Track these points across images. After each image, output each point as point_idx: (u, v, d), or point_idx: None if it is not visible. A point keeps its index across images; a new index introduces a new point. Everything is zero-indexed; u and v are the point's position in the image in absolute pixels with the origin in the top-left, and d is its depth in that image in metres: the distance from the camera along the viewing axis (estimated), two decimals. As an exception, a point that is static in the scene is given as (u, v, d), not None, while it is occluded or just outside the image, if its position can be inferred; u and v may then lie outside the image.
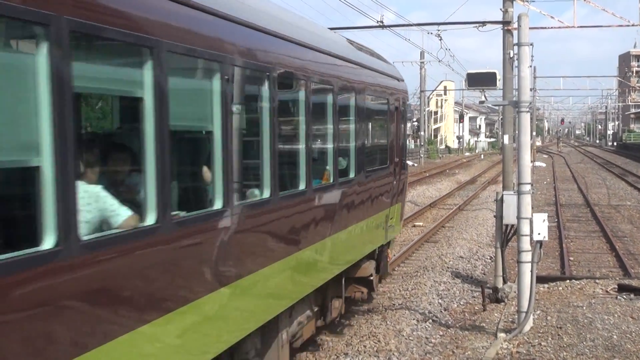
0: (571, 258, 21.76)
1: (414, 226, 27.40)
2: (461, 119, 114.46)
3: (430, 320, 14.37)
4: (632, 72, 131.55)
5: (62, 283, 5.08)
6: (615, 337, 12.30)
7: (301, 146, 9.99)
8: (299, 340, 10.99)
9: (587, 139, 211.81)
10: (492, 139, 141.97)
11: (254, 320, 8.49)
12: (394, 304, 15.79)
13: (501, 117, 59.83)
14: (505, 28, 25.91)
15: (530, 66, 14.79)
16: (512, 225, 14.90)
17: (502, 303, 15.40)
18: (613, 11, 27.50)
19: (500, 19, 26.52)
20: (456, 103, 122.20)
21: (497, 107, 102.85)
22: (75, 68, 5.19)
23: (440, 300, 16.06)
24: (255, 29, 8.38)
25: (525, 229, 12.95)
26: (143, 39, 5.99)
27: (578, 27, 28.36)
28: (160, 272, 6.35)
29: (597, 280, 16.98)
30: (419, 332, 13.54)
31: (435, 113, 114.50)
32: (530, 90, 19.71)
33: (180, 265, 6.66)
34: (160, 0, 6.50)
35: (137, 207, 6.18)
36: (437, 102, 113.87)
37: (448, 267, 19.66)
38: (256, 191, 8.47)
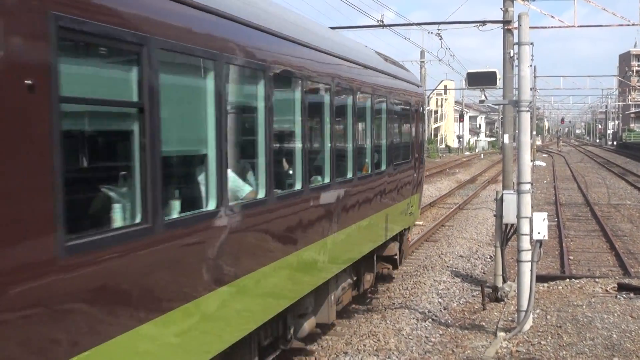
0: (571, 257, 21.78)
1: (414, 225, 27.39)
2: (461, 118, 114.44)
3: (430, 320, 14.39)
4: (633, 71, 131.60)
5: (220, 231, 7.56)
6: (614, 336, 12.31)
7: (349, 144, 12.54)
8: (339, 305, 13.16)
9: (587, 138, 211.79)
10: (492, 139, 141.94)
11: (311, 283, 10.78)
12: (393, 303, 15.80)
13: (501, 116, 59.83)
14: (506, 27, 25.92)
15: (531, 65, 14.83)
16: (512, 225, 14.93)
17: (502, 302, 15.41)
18: (613, 11, 27.51)
19: (500, 18, 26.54)
20: (456, 102, 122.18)
21: (497, 107, 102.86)
22: (230, 91, 7.87)
23: (440, 300, 16.07)
24: (331, 55, 11.49)
25: (525, 228, 12.96)
26: (290, 72, 9.64)
27: (578, 26, 28.37)
28: (268, 228, 8.99)
29: (596, 280, 16.99)
30: (419, 331, 13.55)
31: (436, 112, 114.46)
32: (531, 89, 19.69)
33: (280, 225, 9.37)
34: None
35: (254, 186, 8.77)
36: (437, 102, 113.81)
37: (448, 266, 19.68)
38: (319, 177, 11.09)
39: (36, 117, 4.91)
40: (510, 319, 13.81)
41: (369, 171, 13.76)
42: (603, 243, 24.46)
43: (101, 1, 5.70)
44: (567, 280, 17.07)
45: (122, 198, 6.27)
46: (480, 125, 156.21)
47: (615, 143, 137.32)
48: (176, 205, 6.98)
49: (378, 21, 28.87)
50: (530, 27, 13.33)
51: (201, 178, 7.58)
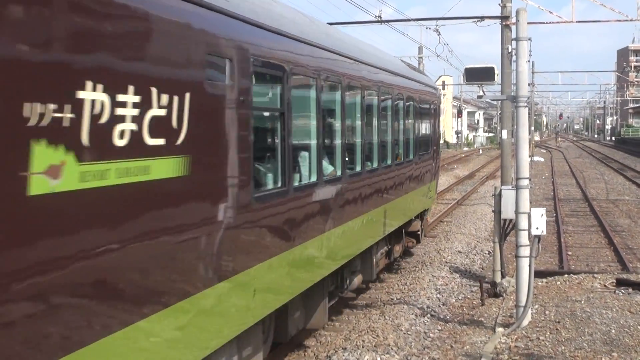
0: (569, 252, 21.78)
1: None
2: (459, 114, 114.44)
3: (429, 315, 14.39)
4: (631, 67, 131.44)
5: (318, 196, 10.81)
6: (613, 331, 12.32)
7: (389, 138, 15.85)
8: (377, 268, 16.14)
9: (586, 133, 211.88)
10: (491, 134, 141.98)
11: (360, 247, 13.66)
12: (392, 299, 15.81)
13: (499, 112, 59.90)
14: (504, 23, 25.92)
15: (529, 61, 14.82)
16: (511, 220, 14.93)
17: (501, 298, 15.42)
18: (611, 6, 27.54)
19: (498, 14, 26.53)
20: (454, 98, 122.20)
21: (495, 102, 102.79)
22: (322, 99, 11.02)
23: (438, 295, 16.08)
24: (377, 67, 14.74)
25: (523, 223, 12.97)
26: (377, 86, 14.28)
27: (576, 22, 28.37)
28: (344, 197, 12.07)
29: (595, 275, 17.00)
30: (418, 326, 13.56)
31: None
32: (529, 85, 19.64)
33: (350, 195, 12.40)
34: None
35: (334, 167, 11.95)
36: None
37: (446, 262, 19.68)
38: (369, 163, 14.09)
39: (246, 118, 8.06)
40: (508, 314, 13.81)
41: (402, 160, 17.13)
42: (601, 238, 24.47)
43: (270, 52, 8.97)
44: (566, 275, 17.07)
45: (272, 171, 9.49)
46: (478, 120, 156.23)
47: (613, 138, 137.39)
48: (297, 177, 10.23)
49: (376, 17, 28.84)
50: (528, 23, 13.32)
51: (308, 160, 10.76)
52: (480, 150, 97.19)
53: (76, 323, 5.29)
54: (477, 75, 23.59)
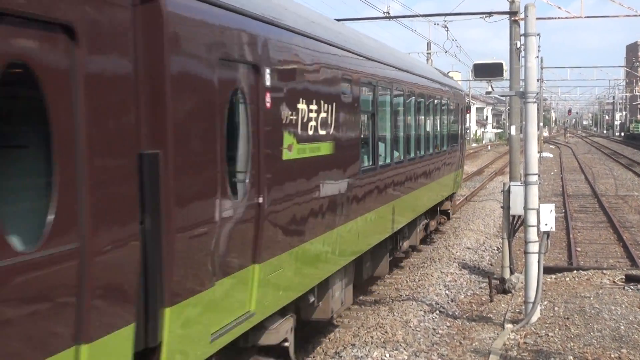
0: (578, 249, 21.75)
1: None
2: (468, 109, 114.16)
3: (438, 311, 14.39)
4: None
5: (391, 173, 14.96)
6: (622, 327, 12.29)
7: (431, 131, 20.24)
8: (419, 236, 19.92)
9: (594, 129, 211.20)
10: (499, 130, 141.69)
11: (410, 217, 17.64)
12: (401, 295, 15.81)
13: (508, 108, 59.68)
14: (512, 19, 25.83)
15: (537, 57, 14.80)
16: (520, 216, 14.91)
17: (509, 294, 15.40)
18: (620, 1, 27.41)
19: (507, 9, 26.45)
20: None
21: (504, 98, 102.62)
22: (394, 102, 15.87)
23: (447, 291, 16.07)
24: (423, 77, 19.31)
25: (532, 219, 12.95)
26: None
27: (585, 17, 28.26)
28: (405, 175, 16.31)
29: (604, 271, 16.97)
30: (426, 323, 13.55)
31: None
32: (537, 80, 19.57)
33: (409, 175, 16.61)
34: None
35: (400, 154, 16.13)
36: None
37: (455, 258, 19.67)
38: (419, 152, 18.36)
39: (357, 118, 12.14)
40: (517, 310, 13.80)
41: (438, 150, 21.15)
42: (610, 234, 24.42)
43: (368, 74, 13.12)
44: (575, 271, 17.05)
45: (367, 154, 13.35)
46: (487, 116, 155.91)
47: (622, 134, 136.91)
48: (381, 158, 14.26)
49: (384, 13, 28.80)
50: (536, 18, 13.31)
51: (385, 147, 14.82)
52: (489, 147, 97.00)
53: (316, 222, 10.18)
54: (486, 71, 23.55)
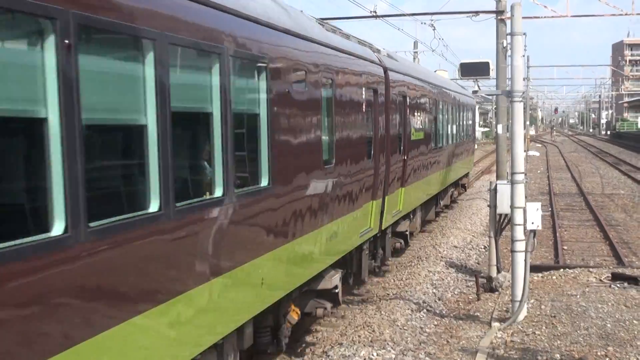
0: (565, 247, 21.81)
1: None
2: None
3: (425, 310, 14.41)
4: (626, 61, 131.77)
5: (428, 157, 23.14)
6: (609, 325, 12.34)
7: (449, 127, 26.67)
8: (450, 199, 28.81)
9: (581, 128, 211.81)
10: (486, 129, 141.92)
11: (434, 192, 24.01)
12: (388, 294, 15.82)
13: (495, 107, 59.74)
14: (499, 18, 25.94)
15: (524, 56, 14.86)
16: (506, 215, 14.95)
17: (496, 292, 15.44)
18: (606, 0, 27.53)
19: (493, 8, 26.54)
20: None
21: (490, 97, 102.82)
22: (437, 108, 25.26)
23: (434, 290, 16.09)
24: (442, 87, 26.54)
25: (518, 218, 12.98)
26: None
27: (571, 16, 28.40)
28: (431, 159, 23.14)
29: (590, 269, 17.03)
30: (414, 321, 13.57)
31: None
32: (524, 79, 19.69)
33: (434, 159, 23.28)
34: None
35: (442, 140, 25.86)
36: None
37: (442, 257, 19.70)
38: (451, 140, 27.48)
39: (407, 116, 18.80)
40: (504, 309, 13.84)
41: (451, 142, 27.40)
42: (597, 233, 24.50)
43: (417, 89, 20.82)
44: (561, 270, 17.10)
45: (435, 139, 23.22)
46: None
47: (608, 133, 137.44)
48: (433, 142, 22.60)
49: (371, 12, 28.84)
50: (523, 17, 13.33)
51: (439, 135, 23.71)
52: (476, 145, 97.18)
53: (426, 169, 21.24)
54: (473, 70, 23.62)
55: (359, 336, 12.62)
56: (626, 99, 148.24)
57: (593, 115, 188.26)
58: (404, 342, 12.28)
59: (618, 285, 15.35)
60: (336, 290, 12.61)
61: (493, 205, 15.34)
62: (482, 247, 21.51)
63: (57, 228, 5.39)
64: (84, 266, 5.58)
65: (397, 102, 17.49)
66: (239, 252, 8.29)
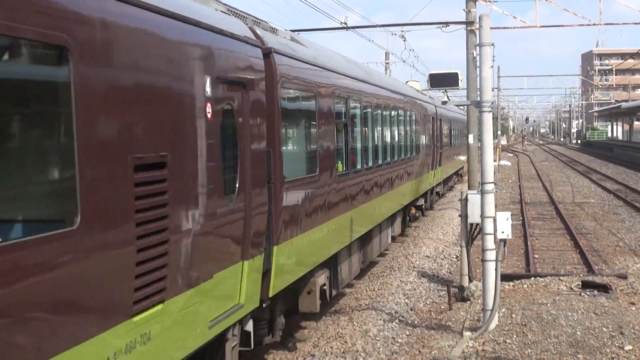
0: (536, 256, 21.94)
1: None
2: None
3: (397, 320, 14.43)
4: (595, 70, 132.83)
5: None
6: (579, 333, 12.43)
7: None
8: (449, 185, 41.68)
9: (552, 137, 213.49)
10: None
11: (442, 177, 35.52)
12: (360, 305, 15.82)
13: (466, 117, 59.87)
14: (469, 28, 26.09)
15: (492, 66, 14.93)
16: (477, 224, 15.02)
17: (468, 302, 15.50)
18: (575, 11, 27.80)
19: (463, 19, 26.70)
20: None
21: (461, 107, 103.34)
22: (443, 126, 37.59)
23: (406, 300, 16.12)
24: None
25: (489, 227, 13.05)
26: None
27: (540, 26, 28.64)
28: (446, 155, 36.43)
29: (561, 278, 17.14)
30: (386, 332, 13.59)
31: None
32: (494, 89, 19.74)
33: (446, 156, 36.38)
34: None
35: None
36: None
37: (414, 267, 19.74)
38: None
39: (438, 124, 32.78)
40: (476, 318, 13.89)
41: (450, 144, 37.64)
42: (567, 241, 24.69)
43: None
44: (532, 278, 17.20)
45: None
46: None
47: (579, 141, 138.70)
48: (440, 143, 34.67)
49: (342, 23, 28.92)
50: (492, 28, 13.46)
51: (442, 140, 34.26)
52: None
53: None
54: (442, 80, 23.70)
55: (331, 347, 12.62)
56: (596, 108, 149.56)
57: (564, 125, 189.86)
58: (376, 353, 12.29)
59: (588, 293, 15.47)
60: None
61: (464, 215, 15.41)
62: (454, 256, 21.60)
63: None
64: None
65: (295, 106, 12.28)
66: None
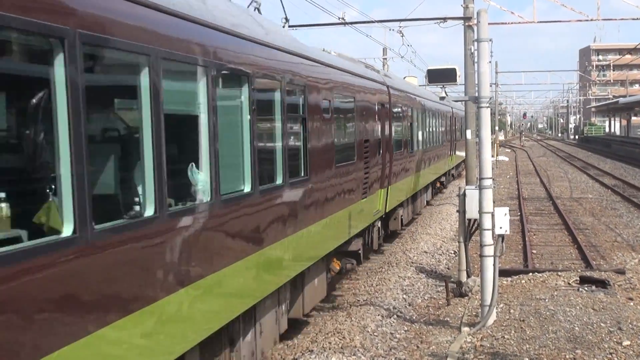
0: (534, 251, 21.96)
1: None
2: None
3: (395, 316, 14.44)
4: (593, 66, 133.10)
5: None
6: (577, 328, 12.43)
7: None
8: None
9: (549, 132, 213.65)
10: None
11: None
12: (358, 300, 15.84)
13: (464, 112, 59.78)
14: (466, 24, 26.13)
15: (490, 62, 14.93)
16: (475, 220, 15.02)
17: (466, 297, 15.51)
18: (572, 6, 27.81)
19: (461, 15, 26.71)
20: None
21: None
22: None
23: (404, 296, 16.13)
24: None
25: (487, 223, 13.06)
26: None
27: (538, 22, 28.66)
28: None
29: (559, 273, 17.14)
30: (384, 327, 13.59)
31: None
32: (492, 85, 19.78)
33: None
34: None
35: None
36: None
37: (412, 262, 19.75)
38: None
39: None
40: (474, 313, 13.90)
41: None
42: (565, 236, 24.70)
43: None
44: (530, 274, 17.20)
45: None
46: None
47: (577, 137, 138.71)
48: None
49: (340, 19, 28.90)
50: (489, 24, 13.43)
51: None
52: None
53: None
54: (440, 76, 23.66)
55: (330, 343, 12.62)
56: (594, 104, 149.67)
57: (561, 120, 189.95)
58: (375, 348, 12.30)
59: (586, 288, 15.46)
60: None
61: (462, 211, 15.43)
62: (452, 252, 21.61)
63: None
64: None
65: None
66: None
